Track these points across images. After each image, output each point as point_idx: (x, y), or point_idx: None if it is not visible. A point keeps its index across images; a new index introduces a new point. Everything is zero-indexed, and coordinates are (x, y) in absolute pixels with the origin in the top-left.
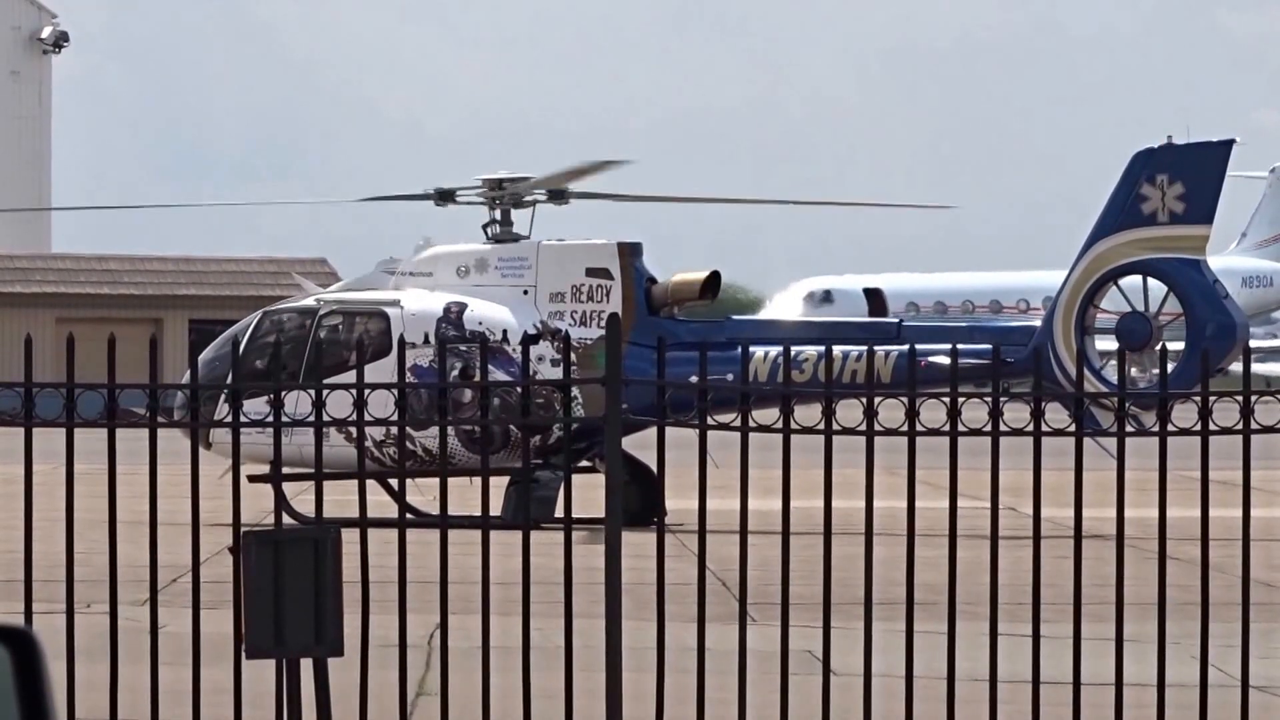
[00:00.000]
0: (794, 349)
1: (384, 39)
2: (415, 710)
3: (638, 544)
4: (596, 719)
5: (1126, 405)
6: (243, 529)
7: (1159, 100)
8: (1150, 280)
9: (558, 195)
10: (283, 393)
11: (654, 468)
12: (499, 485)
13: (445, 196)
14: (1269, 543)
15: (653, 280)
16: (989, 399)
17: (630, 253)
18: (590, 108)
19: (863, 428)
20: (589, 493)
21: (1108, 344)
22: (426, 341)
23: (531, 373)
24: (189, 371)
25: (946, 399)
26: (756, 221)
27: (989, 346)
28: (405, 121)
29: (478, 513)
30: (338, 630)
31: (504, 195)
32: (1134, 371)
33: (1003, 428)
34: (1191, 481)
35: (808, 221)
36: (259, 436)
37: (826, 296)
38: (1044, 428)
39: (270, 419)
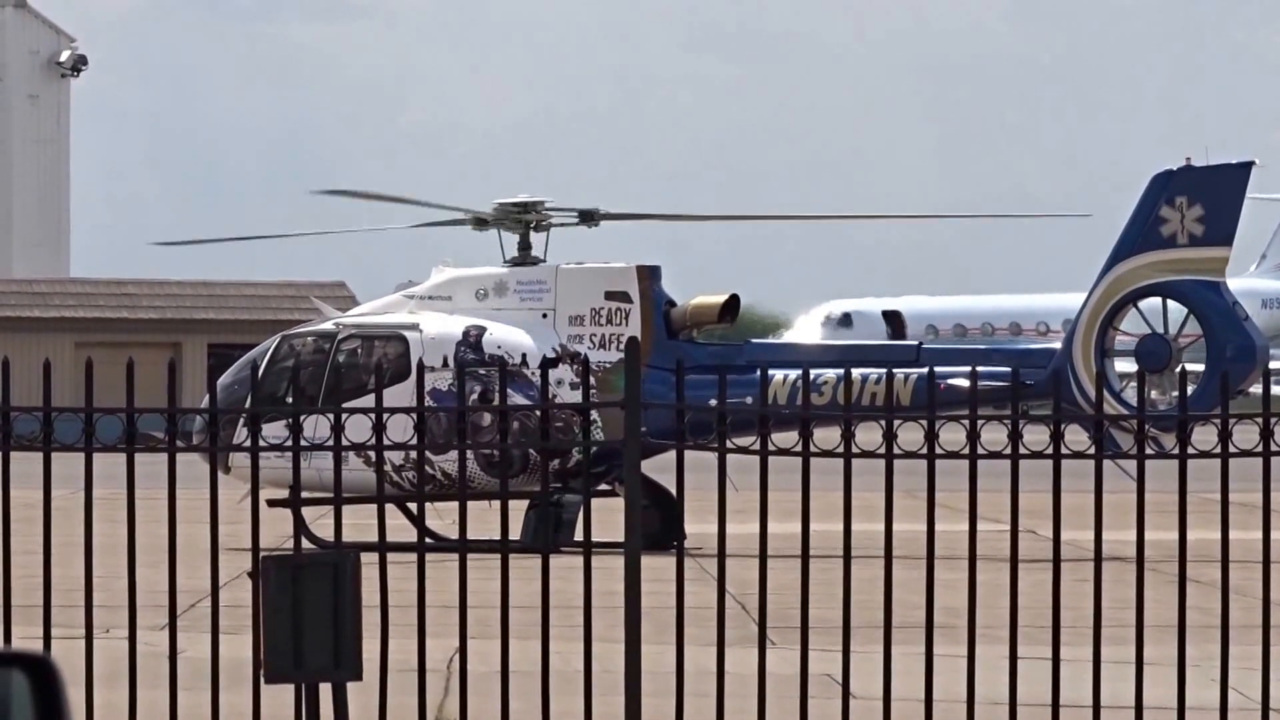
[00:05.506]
0: (813, 372)
1: (404, 61)
2: None
3: (657, 567)
4: None
5: (1146, 427)
6: (262, 553)
7: (1177, 121)
8: (1170, 302)
9: (588, 217)
10: (302, 417)
11: (673, 491)
12: (518, 509)
13: (481, 222)
14: None
15: (671, 303)
16: (1008, 421)
17: (649, 276)
18: (608, 131)
19: (882, 450)
20: (608, 516)
21: (1127, 366)
22: (445, 365)
23: (551, 396)
24: (208, 396)
25: (966, 421)
26: (776, 244)
27: (1008, 369)
28: (427, 144)
29: (497, 537)
30: (357, 654)
31: (528, 219)
32: (1154, 394)
33: (1022, 450)
34: (1212, 504)
35: (827, 245)
36: (278, 461)
37: (845, 319)
38: (1063, 450)
39: (289, 443)
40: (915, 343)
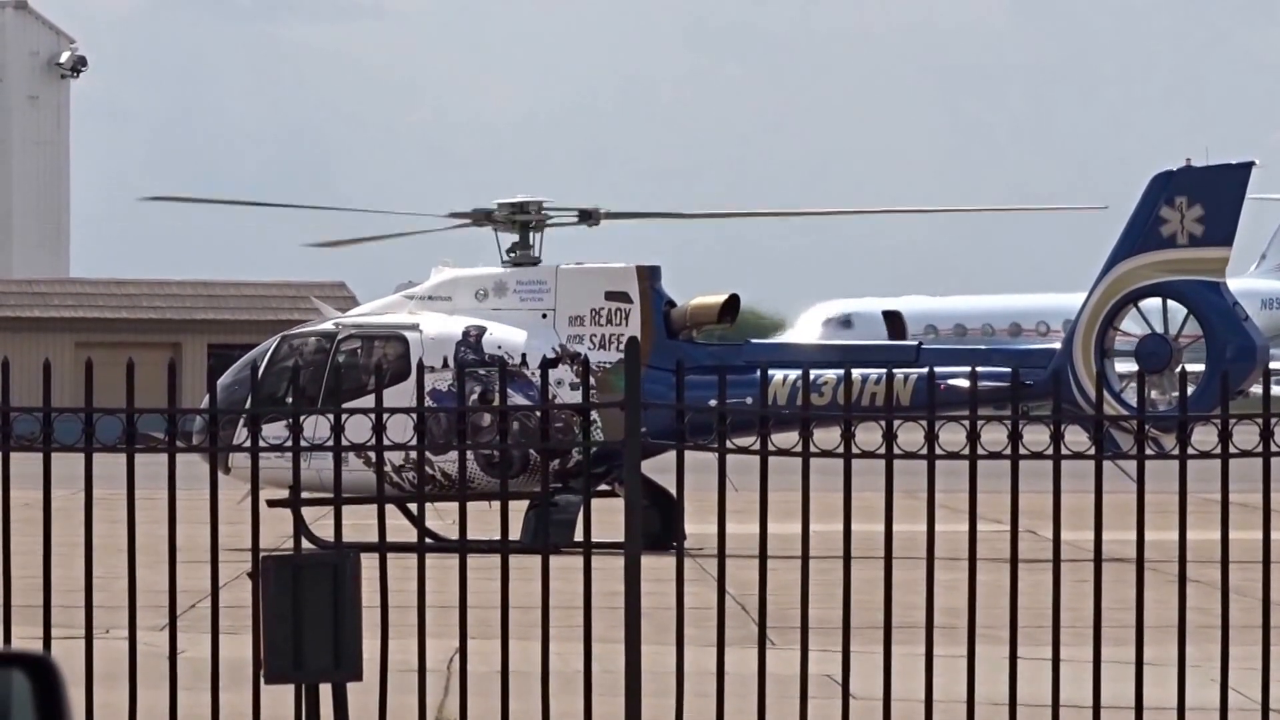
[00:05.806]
0: (813, 372)
1: (404, 61)
2: None
3: (657, 568)
4: None
5: (1146, 428)
6: (262, 553)
7: (1177, 121)
8: (1170, 302)
9: (587, 216)
10: (301, 417)
11: (673, 491)
12: (518, 509)
13: (485, 218)
14: None
15: (671, 303)
16: (1008, 422)
17: (649, 276)
18: (609, 129)
19: (882, 451)
20: (608, 516)
21: (1127, 366)
22: (445, 365)
23: (551, 396)
24: (208, 396)
25: (966, 422)
26: (776, 245)
27: (1008, 369)
28: (427, 144)
29: (497, 537)
30: (357, 655)
31: (527, 219)
32: (1154, 394)
33: (1022, 451)
34: (1212, 504)
35: (827, 245)
36: (278, 461)
37: (845, 320)
38: (1064, 450)
39: (289, 444)
40: (915, 343)
